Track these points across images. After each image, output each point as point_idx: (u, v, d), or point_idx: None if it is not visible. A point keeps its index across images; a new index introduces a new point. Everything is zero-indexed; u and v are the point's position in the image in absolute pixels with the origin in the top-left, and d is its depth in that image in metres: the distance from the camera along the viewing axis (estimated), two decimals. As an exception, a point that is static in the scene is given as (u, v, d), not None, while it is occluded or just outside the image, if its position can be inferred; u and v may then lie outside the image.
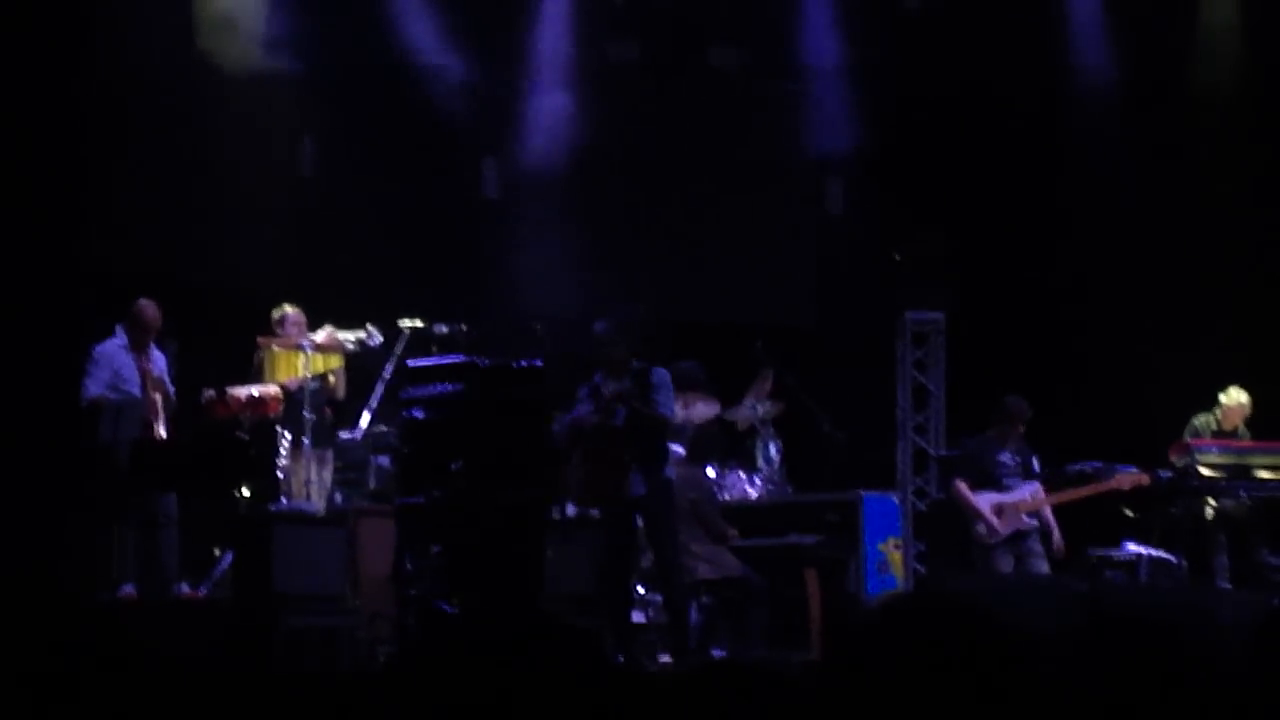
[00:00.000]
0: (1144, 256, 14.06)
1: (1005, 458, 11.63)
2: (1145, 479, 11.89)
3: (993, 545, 11.47)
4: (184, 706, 3.65)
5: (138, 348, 10.86)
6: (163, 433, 10.77)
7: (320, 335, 11.39)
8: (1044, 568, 11.54)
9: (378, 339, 11.45)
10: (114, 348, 10.79)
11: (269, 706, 3.60)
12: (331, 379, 11.48)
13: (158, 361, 10.92)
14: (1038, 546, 11.58)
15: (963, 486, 11.66)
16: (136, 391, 10.75)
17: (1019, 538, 11.52)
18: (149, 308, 10.90)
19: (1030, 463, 11.72)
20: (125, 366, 10.78)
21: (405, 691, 3.04)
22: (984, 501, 11.53)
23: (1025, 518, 11.55)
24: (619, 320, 10.25)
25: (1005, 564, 11.47)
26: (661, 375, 10.13)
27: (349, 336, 11.43)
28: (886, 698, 2.72)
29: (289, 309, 11.56)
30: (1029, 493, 11.61)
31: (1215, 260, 13.80)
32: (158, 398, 10.80)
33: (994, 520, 11.46)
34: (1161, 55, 14.38)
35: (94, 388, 10.68)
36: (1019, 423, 11.66)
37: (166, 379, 10.92)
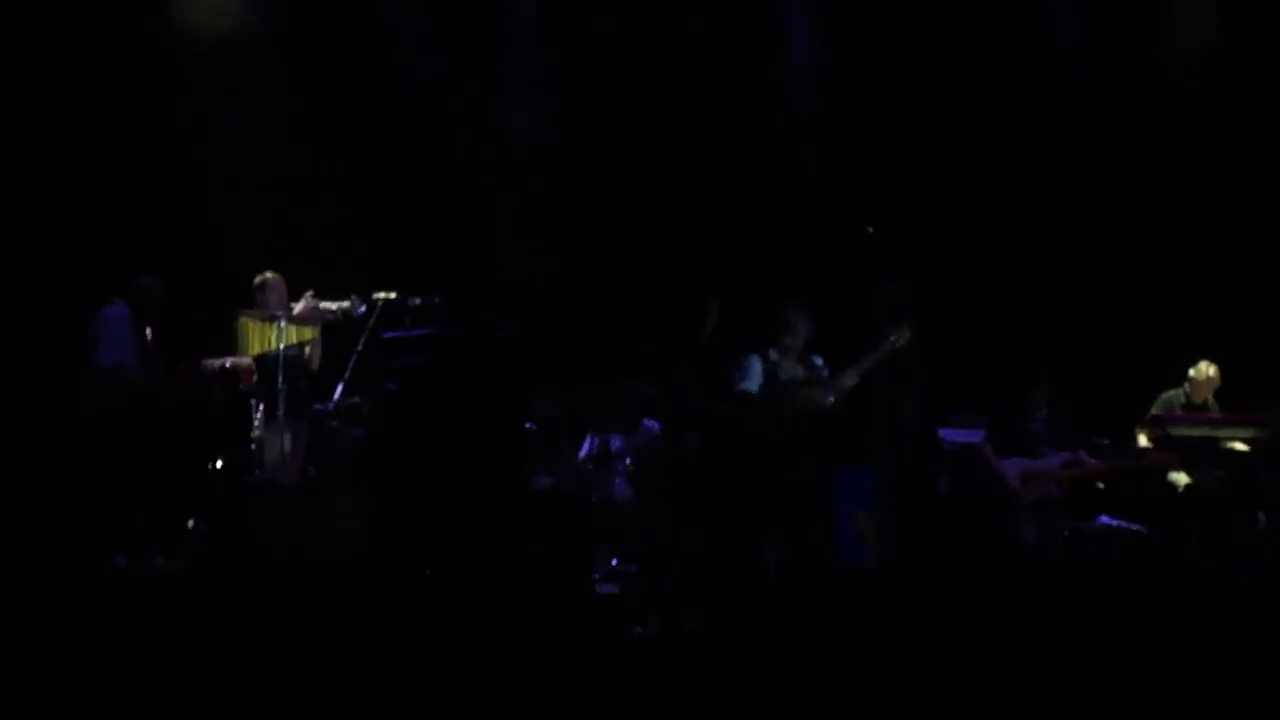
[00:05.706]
0: (1116, 229, 14.10)
1: (1036, 425, 11.61)
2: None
3: (1015, 510, 11.37)
4: (159, 675, 3.67)
5: (146, 324, 10.79)
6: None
7: (301, 304, 11.37)
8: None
9: (361, 308, 11.42)
10: (119, 316, 10.72)
11: (241, 678, 3.61)
12: (307, 350, 11.46)
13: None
14: (1062, 518, 11.53)
15: (986, 448, 11.55)
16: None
17: (1046, 506, 11.43)
18: (156, 283, 10.87)
19: (1066, 432, 11.65)
20: (128, 339, 10.72)
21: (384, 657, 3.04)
22: (1011, 467, 11.48)
23: (1053, 487, 11.49)
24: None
25: (1029, 531, 11.36)
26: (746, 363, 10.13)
27: (331, 306, 11.42)
28: (843, 665, 2.74)
29: (270, 275, 11.52)
30: (1059, 462, 11.57)
31: (1186, 233, 13.84)
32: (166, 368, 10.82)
33: (1016, 486, 11.38)
34: (1135, 25, 14.41)
35: (115, 352, 10.60)
36: (1047, 391, 11.61)
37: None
